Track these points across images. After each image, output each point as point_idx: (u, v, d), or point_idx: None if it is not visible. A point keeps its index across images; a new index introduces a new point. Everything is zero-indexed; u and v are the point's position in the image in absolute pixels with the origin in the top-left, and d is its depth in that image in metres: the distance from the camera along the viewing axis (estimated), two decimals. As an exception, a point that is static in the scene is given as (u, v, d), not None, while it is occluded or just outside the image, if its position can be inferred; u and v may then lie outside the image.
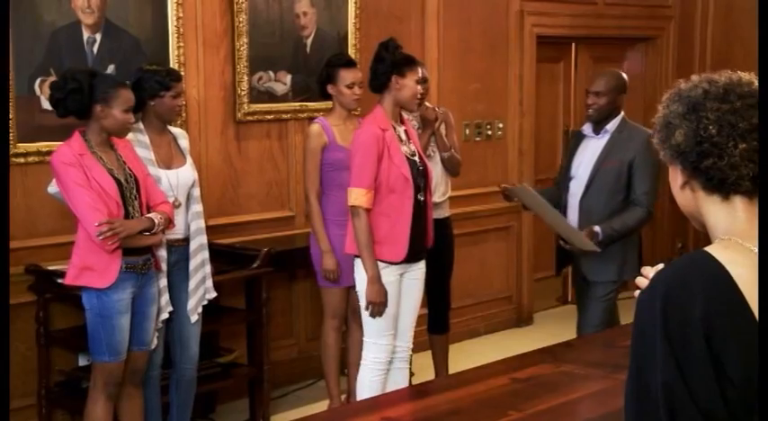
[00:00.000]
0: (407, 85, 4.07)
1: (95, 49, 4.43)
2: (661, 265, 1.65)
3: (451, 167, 4.80)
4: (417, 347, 4.68)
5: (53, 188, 3.79)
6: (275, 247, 4.74)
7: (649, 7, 7.37)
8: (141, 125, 4.00)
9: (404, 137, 4.14)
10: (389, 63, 4.06)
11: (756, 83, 1.57)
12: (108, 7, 4.45)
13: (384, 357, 4.14)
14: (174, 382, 4.21)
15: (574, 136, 4.91)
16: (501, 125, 6.43)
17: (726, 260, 1.49)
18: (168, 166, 4.05)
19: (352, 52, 5.30)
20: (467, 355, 5.54)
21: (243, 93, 5.00)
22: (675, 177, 1.62)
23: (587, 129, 4.65)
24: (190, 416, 4.29)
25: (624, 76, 4.68)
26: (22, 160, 4.22)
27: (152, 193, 3.84)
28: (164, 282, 3.95)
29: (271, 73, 5.13)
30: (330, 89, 4.55)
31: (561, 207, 4.61)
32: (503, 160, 6.48)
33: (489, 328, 6.47)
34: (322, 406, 4.75)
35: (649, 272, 1.76)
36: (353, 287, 4.21)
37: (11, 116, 4.11)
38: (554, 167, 5.99)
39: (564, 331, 4.99)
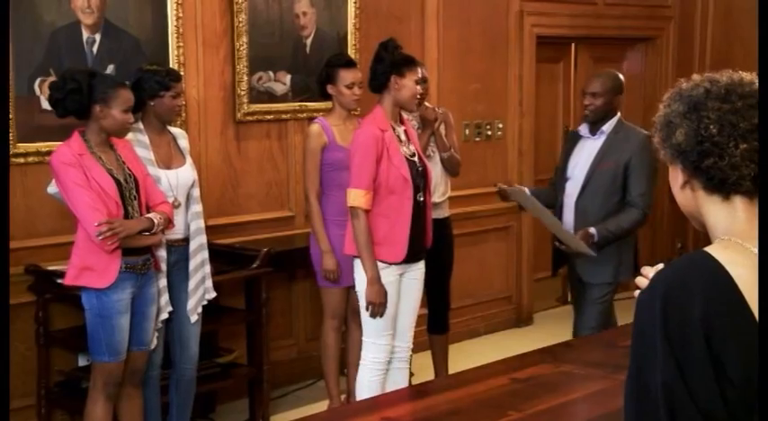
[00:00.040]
0: (407, 86, 4.07)
1: (95, 49, 4.43)
2: (661, 265, 1.64)
3: (451, 167, 4.80)
4: (417, 347, 4.67)
5: (53, 188, 3.79)
6: (275, 247, 4.73)
7: (649, 7, 7.37)
8: (141, 125, 4.00)
9: (403, 137, 4.14)
10: (389, 63, 4.05)
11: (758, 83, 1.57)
12: (107, 7, 4.45)
13: (383, 357, 4.14)
14: (174, 382, 4.21)
15: (570, 136, 4.91)
16: (501, 125, 6.43)
17: (725, 260, 1.49)
18: (168, 166, 4.05)
19: (351, 52, 5.29)
20: (466, 355, 5.54)
21: (242, 93, 5.00)
22: (676, 177, 1.62)
23: (583, 129, 4.64)
24: (189, 417, 4.29)
25: (621, 76, 4.66)
26: (21, 160, 4.22)
27: (151, 193, 3.84)
28: (163, 282, 3.95)
29: (270, 73, 5.13)
30: (330, 89, 4.55)
31: (557, 208, 4.61)
32: (502, 160, 6.48)
33: (489, 328, 6.47)
34: (321, 406, 4.74)
35: (649, 272, 1.76)
36: (353, 287, 4.21)
37: (11, 116, 4.11)
38: (554, 168, 5.99)
39: (564, 331, 4.99)
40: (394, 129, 4.09)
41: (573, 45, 7.15)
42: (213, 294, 4.18)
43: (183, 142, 4.18)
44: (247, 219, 5.12)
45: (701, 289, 1.46)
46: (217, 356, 4.67)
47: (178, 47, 4.71)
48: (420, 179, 4.10)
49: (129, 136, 3.88)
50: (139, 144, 3.96)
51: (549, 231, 4.68)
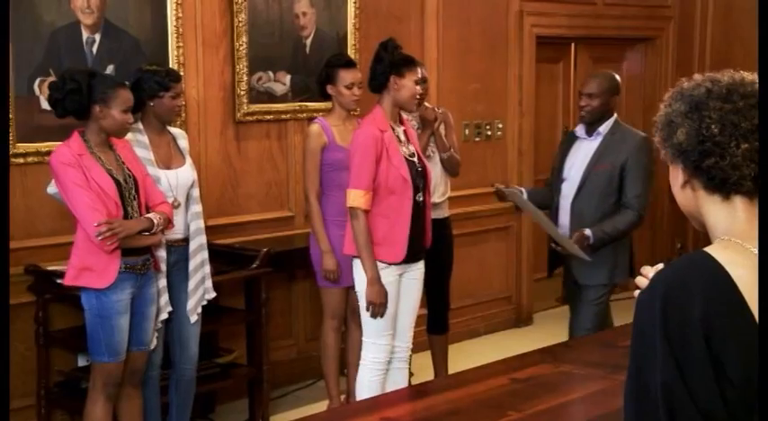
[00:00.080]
0: (406, 86, 4.07)
1: (95, 49, 4.43)
2: (661, 265, 1.64)
3: (451, 168, 4.80)
4: (417, 347, 4.67)
5: (52, 188, 3.79)
6: (274, 248, 4.73)
7: (649, 7, 7.37)
8: (140, 125, 4.00)
9: (403, 137, 4.14)
10: (388, 63, 4.05)
11: (760, 83, 1.57)
12: (107, 7, 4.45)
13: (383, 357, 4.14)
14: (174, 383, 4.21)
15: (566, 137, 4.90)
16: (500, 125, 6.43)
17: (725, 261, 1.49)
18: (167, 167, 4.05)
19: (351, 52, 5.29)
20: (466, 355, 5.54)
21: (242, 93, 5.00)
22: (676, 176, 1.62)
23: (580, 130, 4.64)
24: (189, 417, 4.29)
25: (617, 77, 4.66)
26: (21, 160, 4.22)
27: (151, 194, 3.84)
28: (163, 282, 3.95)
29: (270, 73, 5.13)
30: (329, 89, 4.55)
31: (552, 209, 4.61)
32: (502, 160, 6.48)
33: (489, 328, 6.47)
34: (321, 406, 4.74)
35: (649, 272, 1.76)
36: (353, 287, 4.21)
37: (11, 116, 4.10)
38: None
39: (563, 331, 4.98)
40: (393, 130, 4.08)
41: (572, 45, 7.15)
42: (213, 294, 4.18)
43: (183, 142, 4.18)
44: (247, 220, 5.12)
45: (700, 289, 1.46)
46: (216, 356, 4.67)
47: (178, 47, 4.71)
48: (419, 179, 4.10)
49: (129, 136, 3.88)
50: (139, 144, 3.96)
51: (546, 232, 4.68)
